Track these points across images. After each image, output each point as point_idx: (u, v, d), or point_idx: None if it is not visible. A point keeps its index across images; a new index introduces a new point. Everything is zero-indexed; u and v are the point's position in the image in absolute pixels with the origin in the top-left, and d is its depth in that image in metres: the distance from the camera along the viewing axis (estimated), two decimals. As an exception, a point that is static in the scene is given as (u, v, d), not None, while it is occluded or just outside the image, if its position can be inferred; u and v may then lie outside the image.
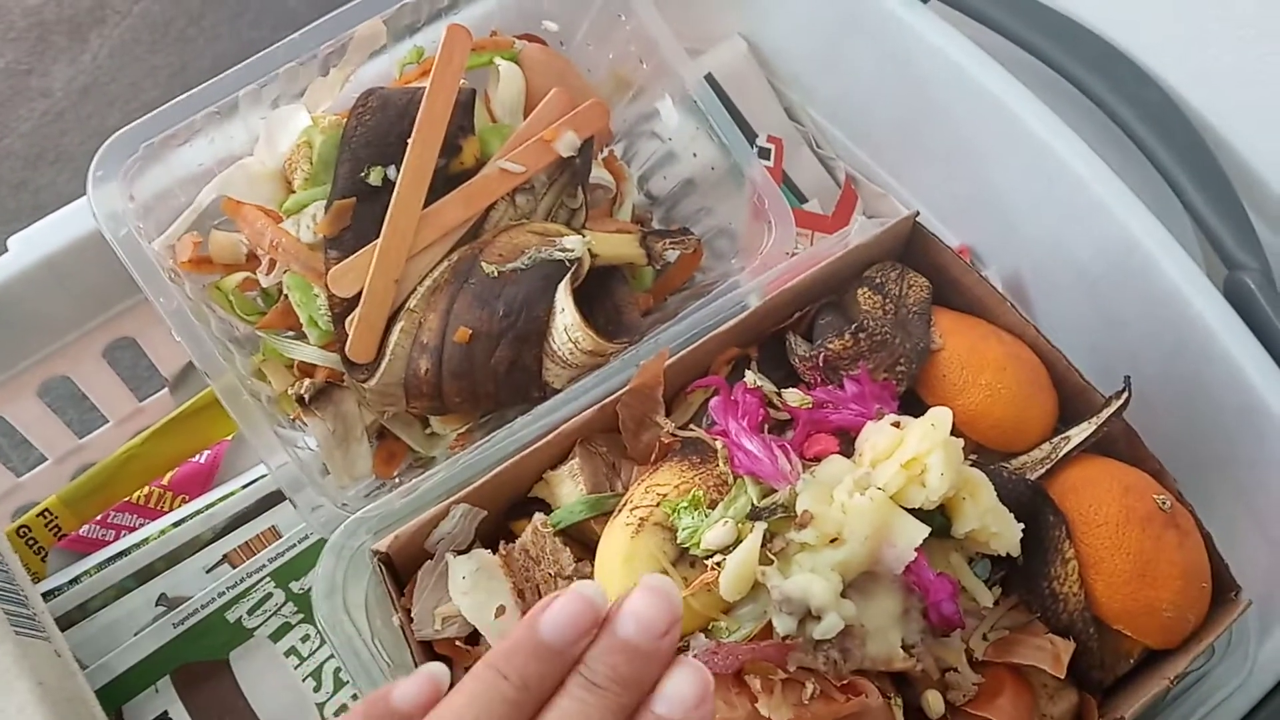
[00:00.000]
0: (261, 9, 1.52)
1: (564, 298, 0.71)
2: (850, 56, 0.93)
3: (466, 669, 0.61)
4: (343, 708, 0.76)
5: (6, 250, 0.78)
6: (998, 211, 0.88)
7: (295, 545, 0.79)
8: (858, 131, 0.98)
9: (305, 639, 0.78)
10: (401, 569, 0.62)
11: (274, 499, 0.81)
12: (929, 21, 0.86)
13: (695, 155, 0.84)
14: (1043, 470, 0.63)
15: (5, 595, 0.67)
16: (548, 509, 0.64)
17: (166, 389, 0.94)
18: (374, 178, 0.71)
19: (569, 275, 0.72)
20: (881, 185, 0.97)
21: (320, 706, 0.76)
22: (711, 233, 0.86)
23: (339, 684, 0.77)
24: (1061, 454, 0.64)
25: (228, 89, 0.72)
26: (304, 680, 0.77)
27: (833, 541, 0.54)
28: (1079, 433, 0.64)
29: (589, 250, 0.73)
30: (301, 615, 0.78)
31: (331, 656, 0.77)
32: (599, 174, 0.82)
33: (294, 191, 0.74)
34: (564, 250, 0.73)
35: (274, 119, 0.74)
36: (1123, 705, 0.60)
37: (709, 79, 0.96)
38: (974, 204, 0.91)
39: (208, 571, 0.79)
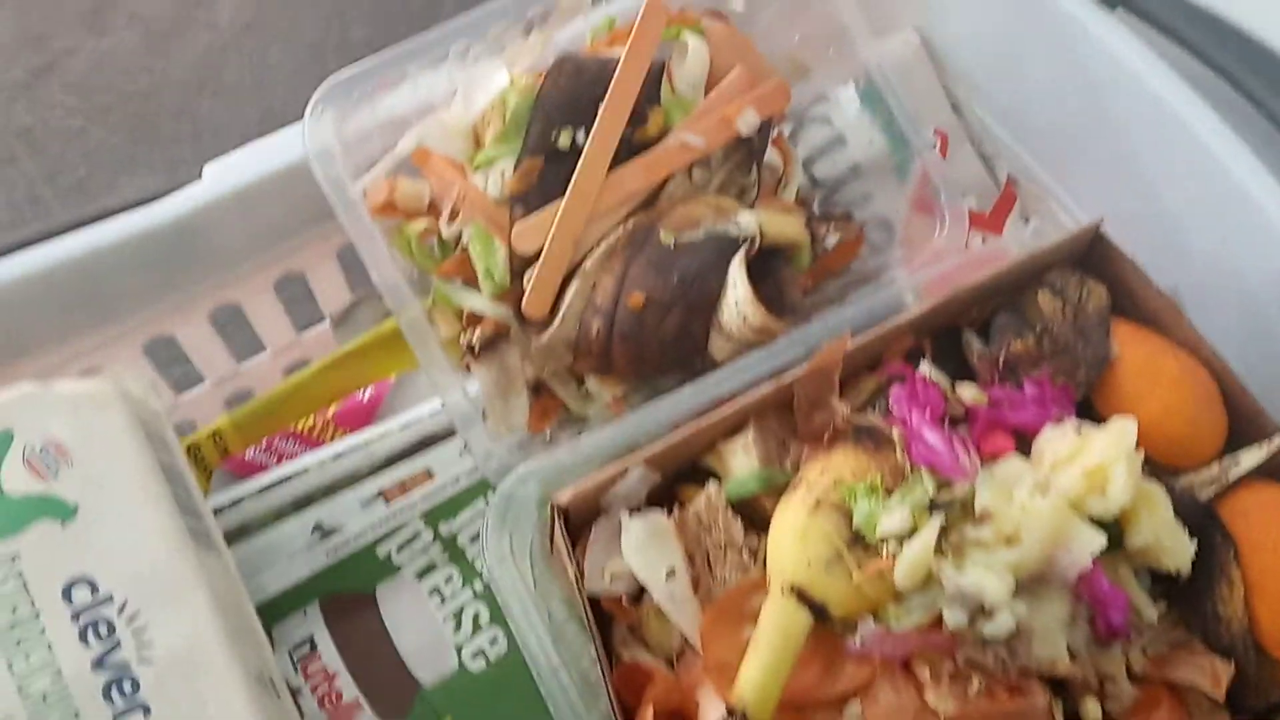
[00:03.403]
0: (420, -42, 1.56)
1: (738, 273, 0.72)
2: (1024, 57, 0.93)
3: (629, 628, 0.63)
4: (479, 652, 0.78)
5: (200, 178, 0.80)
6: (1160, 226, 0.88)
7: (447, 488, 0.81)
8: (1022, 132, 0.97)
9: (448, 580, 0.80)
10: (573, 523, 0.64)
11: (430, 441, 0.83)
12: (1112, 29, 0.85)
13: (871, 143, 0.85)
14: (1212, 491, 0.63)
15: (186, 509, 0.70)
16: (714, 478, 0.66)
17: (324, 324, 0.97)
18: (563, 140, 0.73)
19: (743, 251, 0.73)
20: (1042, 188, 0.97)
21: (458, 648, 0.78)
22: (868, 221, 0.87)
23: (477, 627, 0.78)
24: (1231, 476, 0.64)
25: (442, 43, 0.74)
26: (444, 621, 0.79)
27: (1008, 541, 0.55)
28: (1250, 456, 0.64)
29: (759, 229, 0.75)
30: (447, 556, 0.80)
31: (471, 600, 0.79)
32: (769, 155, 0.83)
33: (481, 146, 0.76)
34: (739, 226, 0.74)
35: (473, 75, 0.76)
36: (1273, 734, 0.60)
37: (876, 69, 0.96)
38: (1135, 215, 0.90)
39: (363, 505, 0.81)
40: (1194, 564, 0.59)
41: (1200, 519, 0.60)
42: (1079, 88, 0.89)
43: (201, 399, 0.95)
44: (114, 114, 1.59)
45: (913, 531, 0.56)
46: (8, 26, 1.69)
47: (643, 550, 0.61)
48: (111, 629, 0.64)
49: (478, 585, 0.79)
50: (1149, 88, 0.82)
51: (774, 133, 0.86)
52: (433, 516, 0.81)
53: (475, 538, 0.81)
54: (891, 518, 0.56)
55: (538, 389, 0.81)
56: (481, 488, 0.81)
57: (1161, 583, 0.61)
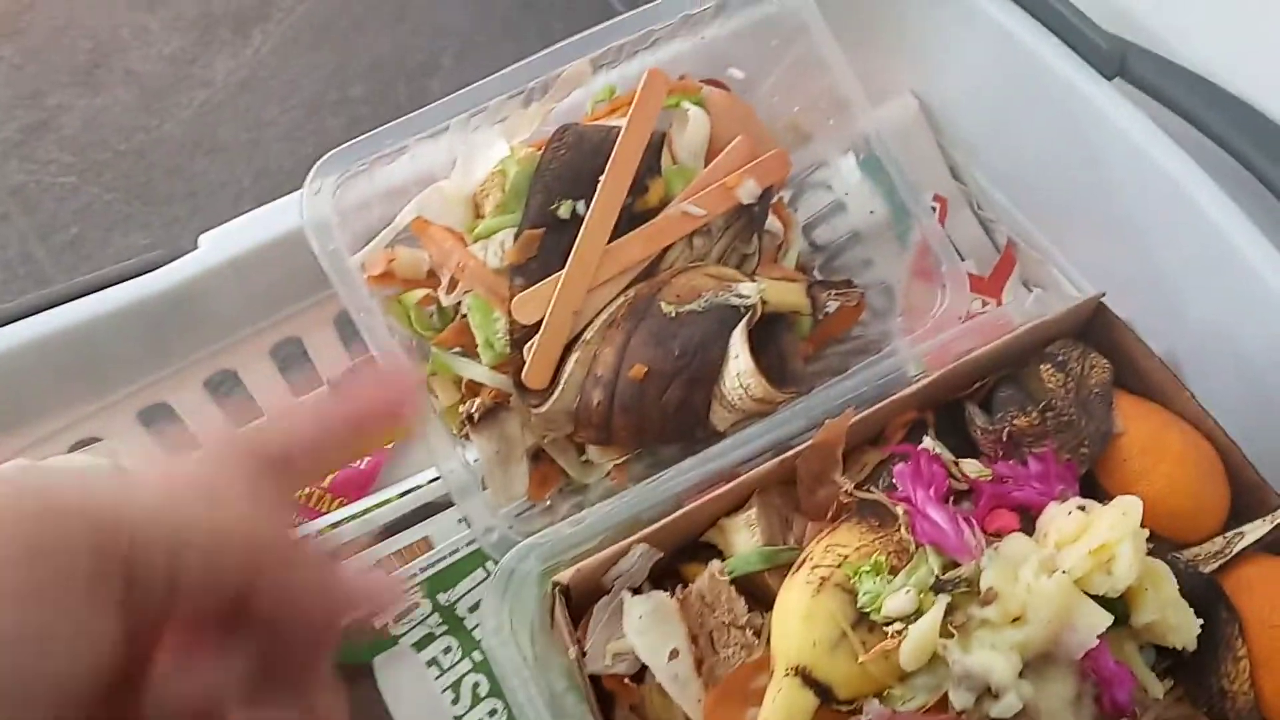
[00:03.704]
0: (419, 18, 1.56)
1: (739, 344, 0.72)
2: (1023, 123, 0.93)
3: (631, 706, 0.62)
4: (476, 722, 0.77)
5: (197, 247, 0.80)
6: (1158, 291, 0.88)
7: (446, 558, 0.80)
8: (1022, 196, 0.98)
9: (447, 651, 0.79)
10: (574, 601, 0.64)
11: (428, 510, 0.82)
12: (1111, 98, 0.85)
13: (872, 212, 0.85)
14: (1216, 565, 0.63)
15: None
16: (717, 554, 0.65)
17: (322, 388, 0.96)
18: (563, 211, 0.73)
19: (744, 321, 0.73)
20: (1041, 252, 0.97)
21: None
22: (869, 287, 0.87)
23: (476, 699, 0.78)
24: (1235, 550, 0.64)
25: (443, 117, 0.74)
26: (443, 692, 0.78)
27: (1014, 620, 0.55)
28: (1254, 530, 0.64)
29: (760, 297, 0.75)
30: (446, 627, 0.79)
31: (470, 671, 0.78)
32: (769, 221, 0.83)
33: (482, 216, 0.76)
34: (740, 296, 0.74)
35: (472, 145, 0.76)
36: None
37: (874, 134, 0.97)
38: (1133, 280, 0.90)
39: (360, 576, 0.80)
40: (1200, 639, 0.59)
41: (1205, 593, 0.60)
42: (1077, 154, 0.89)
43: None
44: (108, 172, 1.59)
45: (918, 612, 0.56)
46: (2, 83, 1.70)
47: (645, 630, 0.60)
48: (107, 709, 0.63)
49: (477, 656, 0.79)
50: (1147, 155, 0.83)
51: (774, 199, 0.86)
52: (432, 586, 0.80)
53: (474, 607, 0.80)
54: (897, 599, 0.56)
55: (537, 457, 0.80)
56: (481, 556, 0.81)
57: (1166, 657, 0.61)
